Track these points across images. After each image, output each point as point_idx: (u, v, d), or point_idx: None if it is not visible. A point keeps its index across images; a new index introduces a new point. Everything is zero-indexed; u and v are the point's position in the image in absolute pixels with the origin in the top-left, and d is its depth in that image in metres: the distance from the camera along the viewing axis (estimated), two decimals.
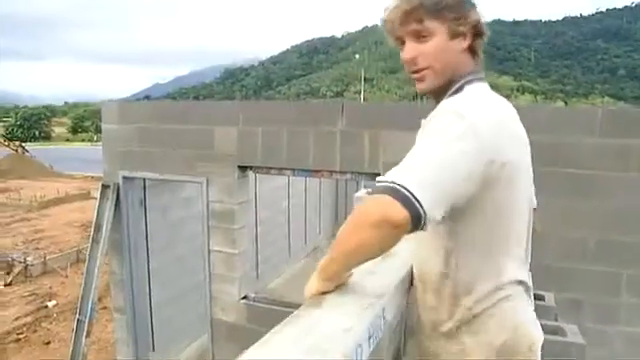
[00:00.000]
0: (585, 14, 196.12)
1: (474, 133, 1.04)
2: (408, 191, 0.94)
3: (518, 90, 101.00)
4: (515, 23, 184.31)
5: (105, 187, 5.24)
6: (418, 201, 0.93)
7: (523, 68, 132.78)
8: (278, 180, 8.12)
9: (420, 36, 1.19)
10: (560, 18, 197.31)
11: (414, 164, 1.02)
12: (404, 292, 1.36)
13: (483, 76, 1.27)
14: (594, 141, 3.51)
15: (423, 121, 1.21)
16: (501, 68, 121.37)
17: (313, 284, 1.11)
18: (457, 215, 1.11)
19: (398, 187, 0.95)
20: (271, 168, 4.50)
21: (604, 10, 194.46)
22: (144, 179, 5.32)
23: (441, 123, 1.09)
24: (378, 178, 1.01)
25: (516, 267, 1.23)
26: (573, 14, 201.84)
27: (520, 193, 1.19)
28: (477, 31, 1.22)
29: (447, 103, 1.16)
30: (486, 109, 1.13)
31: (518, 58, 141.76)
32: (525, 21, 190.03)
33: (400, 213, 0.92)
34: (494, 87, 1.26)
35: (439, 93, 1.24)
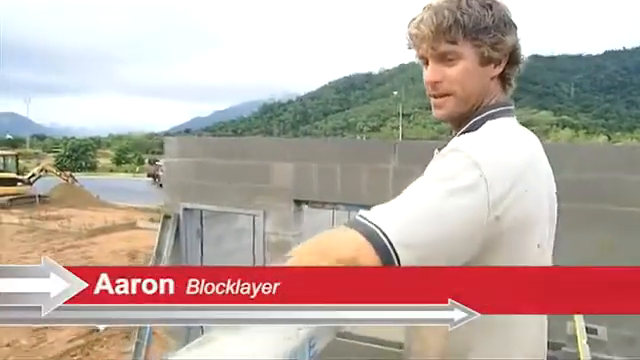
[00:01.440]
0: (628, 47, 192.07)
1: (484, 185, 0.90)
2: (389, 241, 0.84)
3: (558, 125, 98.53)
4: (553, 58, 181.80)
5: (166, 218, 5.62)
6: (397, 255, 0.84)
7: (563, 103, 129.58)
8: (322, 214, 8.32)
9: (446, 59, 1.04)
10: (601, 52, 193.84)
11: (404, 210, 0.90)
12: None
13: (512, 108, 1.13)
14: (638, 178, 3.56)
15: (436, 152, 1.08)
16: (540, 103, 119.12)
17: None
18: None
19: (379, 234, 0.85)
20: (325, 203, 4.73)
21: None
22: (201, 210, 5.67)
23: (448, 167, 0.94)
24: (361, 212, 0.91)
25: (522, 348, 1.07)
26: (615, 48, 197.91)
27: (530, 251, 1.01)
28: (512, 58, 1.09)
29: (460, 142, 1.00)
30: (505, 155, 0.98)
31: (557, 93, 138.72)
32: (563, 56, 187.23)
33: (372, 260, 0.84)
34: (532, 123, 1.11)
35: (460, 122, 1.12)
